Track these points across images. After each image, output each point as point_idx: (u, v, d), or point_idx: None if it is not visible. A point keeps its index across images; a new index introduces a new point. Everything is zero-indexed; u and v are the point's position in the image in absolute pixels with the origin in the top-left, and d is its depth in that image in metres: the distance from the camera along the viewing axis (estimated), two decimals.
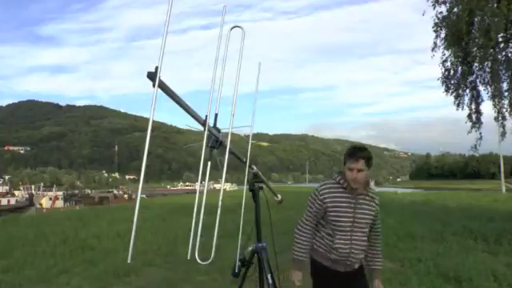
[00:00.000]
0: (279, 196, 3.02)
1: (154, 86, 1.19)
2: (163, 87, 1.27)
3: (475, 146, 11.52)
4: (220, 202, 1.71)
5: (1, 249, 8.14)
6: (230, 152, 1.91)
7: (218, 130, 1.81)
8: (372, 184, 2.85)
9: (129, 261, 1.21)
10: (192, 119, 1.61)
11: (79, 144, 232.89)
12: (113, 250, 7.76)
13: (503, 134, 10.85)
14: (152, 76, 1.19)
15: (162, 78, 1.21)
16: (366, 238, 2.68)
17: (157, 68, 1.19)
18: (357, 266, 2.72)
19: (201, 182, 1.59)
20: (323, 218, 2.67)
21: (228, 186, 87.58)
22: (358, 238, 2.63)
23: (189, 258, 1.46)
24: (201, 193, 1.53)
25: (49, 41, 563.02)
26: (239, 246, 2.19)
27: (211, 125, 1.74)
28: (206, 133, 1.63)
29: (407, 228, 9.19)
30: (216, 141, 1.78)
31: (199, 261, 1.48)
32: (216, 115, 1.80)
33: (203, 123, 1.63)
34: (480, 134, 11.42)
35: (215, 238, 1.58)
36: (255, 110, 2.45)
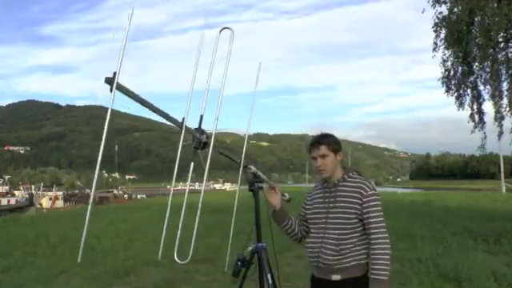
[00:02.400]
0: (287, 195, 2.96)
1: (111, 90, 1.23)
2: (123, 91, 1.29)
3: (482, 145, 11.48)
4: (200, 204, 1.73)
5: (1, 249, 8.15)
6: (221, 153, 1.95)
7: (202, 132, 1.83)
8: (373, 182, 2.67)
9: (78, 260, 1.23)
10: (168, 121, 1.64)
11: (79, 144, 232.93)
12: (112, 250, 7.76)
13: (500, 134, 10.84)
14: (110, 80, 1.23)
15: (120, 82, 1.26)
16: (342, 237, 2.33)
17: (115, 73, 1.24)
18: (336, 276, 2.34)
19: (175, 183, 1.60)
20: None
21: (228, 186, 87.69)
22: (330, 236, 2.36)
23: (159, 259, 1.48)
24: (176, 194, 1.55)
25: (49, 41, 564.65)
26: (229, 245, 2.21)
27: (196, 126, 1.79)
28: (182, 134, 1.66)
29: (407, 228, 9.19)
30: (199, 142, 1.80)
31: (178, 260, 1.49)
32: (201, 116, 1.84)
33: (180, 125, 1.66)
34: (484, 133, 11.42)
35: (194, 237, 1.59)
36: (253, 109, 2.47)
